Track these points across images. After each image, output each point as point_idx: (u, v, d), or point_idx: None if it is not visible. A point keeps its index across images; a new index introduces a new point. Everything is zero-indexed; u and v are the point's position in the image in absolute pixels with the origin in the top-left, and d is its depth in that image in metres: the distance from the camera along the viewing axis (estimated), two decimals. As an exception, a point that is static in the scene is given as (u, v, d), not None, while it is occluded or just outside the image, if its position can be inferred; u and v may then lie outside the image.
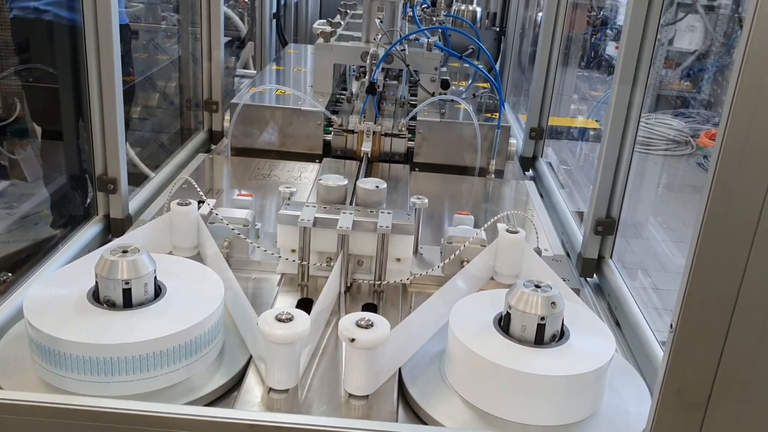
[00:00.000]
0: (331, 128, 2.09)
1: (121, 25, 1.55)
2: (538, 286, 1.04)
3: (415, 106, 2.18)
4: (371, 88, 2.02)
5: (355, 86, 2.52)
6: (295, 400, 1.03)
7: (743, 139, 0.66)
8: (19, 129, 2.94)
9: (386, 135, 2.08)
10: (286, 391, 1.03)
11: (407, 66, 2.14)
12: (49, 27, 2.45)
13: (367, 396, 1.03)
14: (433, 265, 1.40)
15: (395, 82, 2.66)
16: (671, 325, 0.73)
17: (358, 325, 0.99)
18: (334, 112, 2.15)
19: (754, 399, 0.74)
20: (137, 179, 1.97)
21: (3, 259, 2.10)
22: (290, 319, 1.00)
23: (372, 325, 0.99)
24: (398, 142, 2.09)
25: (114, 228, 1.62)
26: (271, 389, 1.03)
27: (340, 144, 2.09)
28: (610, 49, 5.73)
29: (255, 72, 3.30)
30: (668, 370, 0.74)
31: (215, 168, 2.05)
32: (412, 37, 2.27)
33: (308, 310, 1.07)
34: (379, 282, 1.34)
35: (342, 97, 2.37)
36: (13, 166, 3.08)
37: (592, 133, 4.64)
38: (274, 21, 3.53)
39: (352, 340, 0.98)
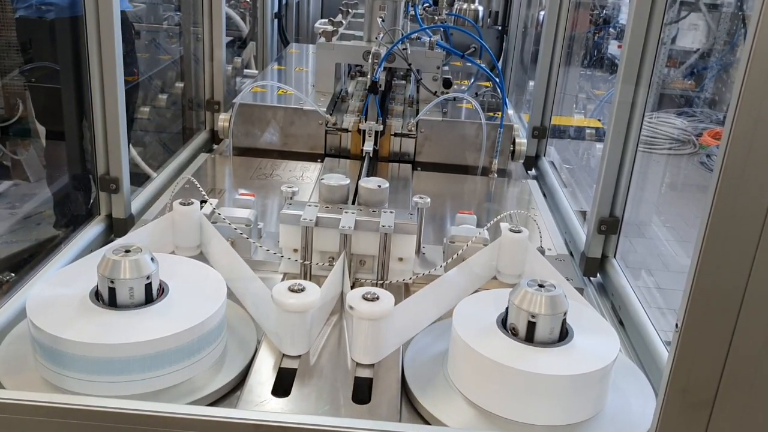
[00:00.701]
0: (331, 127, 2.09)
1: (122, 12, 1.53)
2: (541, 286, 1.04)
3: (424, 105, 2.18)
4: (373, 88, 2.02)
5: (350, 85, 2.51)
6: (298, 397, 1.03)
7: (749, 138, 0.66)
8: (21, 129, 2.94)
9: (396, 135, 2.08)
10: (299, 357, 1.09)
11: (409, 65, 2.14)
12: (52, 26, 2.45)
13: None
14: (435, 265, 1.40)
15: (403, 81, 2.65)
16: (676, 325, 0.73)
17: (364, 298, 1.06)
18: (329, 111, 2.15)
19: (760, 399, 0.74)
20: (139, 179, 1.97)
21: (6, 259, 2.10)
22: (302, 290, 1.07)
23: (378, 298, 1.06)
24: (408, 141, 2.08)
25: (116, 228, 1.62)
26: (284, 355, 1.10)
27: (335, 143, 2.09)
28: (613, 48, 5.72)
29: (257, 72, 3.30)
30: (673, 369, 0.74)
31: (217, 168, 2.05)
32: (414, 36, 2.26)
33: (311, 310, 1.08)
34: (381, 281, 1.34)
35: (338, 97, 2.37)
36: (15, 167, 3.09)
37: (594, 132, 4.63)
38: (276, 21, 3.53)
39: (351, 307, 1.06)
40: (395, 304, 1.07)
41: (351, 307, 1.07)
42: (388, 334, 1.10)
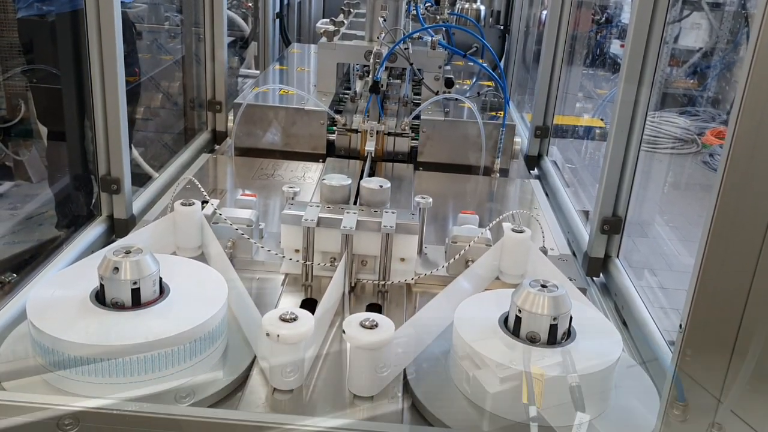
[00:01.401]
0: (334, 128, 2.09)
1: (122, 11, 1.52)
2: (544, 286, 1.03)
3: (418, 104, 2.17)
4: (375, 88, 2.02)
5: (359, 85, 2.51)
6: (299, 400, 1.02)
7: (753, 137, 0.65)
8: (23, 130, 2.94)
9: (389, 134, 2.08)
10: (291, 391, 1.03)
11: (411, 65, 2.13)
12: (53, 26, 2.45)
13: (372, 397, 1.02)
14: (437, 265, 1.39)
15: (398, 81, 2.65)
16: (680, 325, 0.72)
17: (363, 326, 0.99)
18: (338, 112, 2.15)
19: (764, 399, 0.74)
20: (141, 180, 1.97)
21: (7, 259, 2.10)
22: (294, 319, 1.00)
23: (376, 325, 0.99)
24: (401, 141, 2.08)
25: (117, 228, 1.62)
26: (275, 390, 1.02)
27: (344, 143, 2.08)
28: (615, 47, 5.71)
29: (258, 71, 3.30)
30: (677, 370, 0.73)
31: (219, 168, 2.04)
32: (415, 35, 2.26)
33: (312, 310, 1.07)
34: (383, 282, 1.34)
35: (346, 96, 2.37)
36: (17, 167, 3.09)
37: (597, 131, 4.63)
38: (277, 21, 3.53)
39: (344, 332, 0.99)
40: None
41: (344, 332, 0.99)
42: (388, 362, 1.02)
